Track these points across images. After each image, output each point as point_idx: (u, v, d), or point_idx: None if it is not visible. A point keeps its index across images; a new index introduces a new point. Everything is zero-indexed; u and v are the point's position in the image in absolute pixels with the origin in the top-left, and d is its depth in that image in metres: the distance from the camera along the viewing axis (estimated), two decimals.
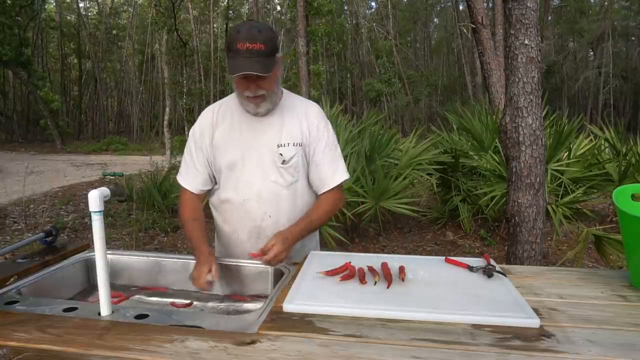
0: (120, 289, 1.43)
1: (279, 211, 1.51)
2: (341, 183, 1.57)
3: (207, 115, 1.55)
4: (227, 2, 28.72)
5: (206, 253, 1.37)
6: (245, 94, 1.40)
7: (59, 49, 28.01)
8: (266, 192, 1.50)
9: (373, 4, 32.69)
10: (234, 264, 1.46)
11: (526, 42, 2.60)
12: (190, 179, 1.55)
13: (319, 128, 1.53)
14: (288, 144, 1.49)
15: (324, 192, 1.55)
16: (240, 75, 1.33)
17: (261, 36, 1.31)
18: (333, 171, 1.54)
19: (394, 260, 1.33)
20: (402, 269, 1.26)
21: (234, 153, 1.49)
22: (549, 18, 19.32)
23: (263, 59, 1.32)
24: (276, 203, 1.51)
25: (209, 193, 1.62)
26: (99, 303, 1.05)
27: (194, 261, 1.38)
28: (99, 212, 1.05)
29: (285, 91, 1.57)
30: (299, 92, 5.56)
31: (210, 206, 1.64)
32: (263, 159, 1.49)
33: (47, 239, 1.52)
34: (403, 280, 1.20)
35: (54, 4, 27.45)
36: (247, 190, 1.50)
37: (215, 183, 1.58)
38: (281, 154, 1.48)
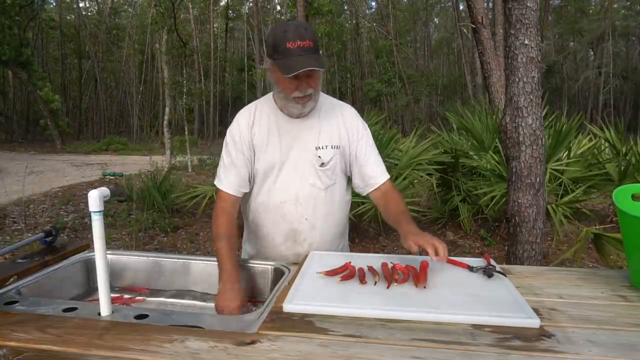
0: (120, 291, 1.44)
1: (316, 214, 1.50)
2: (388, 180, 1.54)
3: (244, 117, 1.51)
4: (227, 2, 28.73)
5: (237, 283, 1.29)
6: (294, 94, 1.37)
7: (59, 49, 28.01)
8: (304, 194, 1.48)
9: (373, 3, 32.73)
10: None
11: (526, 42, 2.60)
12: (230, 180, 1.47)
13: (358, 130, 1.52)
14: (326, 146, 1.48)
15: (376, 190, 1.52)
16: (293, 75, 1.30)
17: (308, 33, 1.31)
18: (380, 168, 1.53)
19: (395, 261, 1.33)
20: (394, 270, 1.25)
21: (272, 155, 1.47)
22: (549, 18, 19.31)
23: (316, 55, 1.31)
24: (313, 206, 1.50)
25: (242, 202, 1.57)
26: (98, 303, 1.05)
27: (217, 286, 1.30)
28: (99, 212, 1.05)
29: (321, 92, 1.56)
30: None
31: (243, 211, 1.61)
32: (301, 161, 1.47)
33: (47, 239, 1.52)
34: (397, 281, 1.19)
35: (54, 4, 27.48)
36: (284, 193, 1.48)
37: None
38: (320, 157, 1.47)
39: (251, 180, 1.52)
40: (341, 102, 1.59)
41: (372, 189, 1.53)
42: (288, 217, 1.50)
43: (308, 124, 1.49)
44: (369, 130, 1.57)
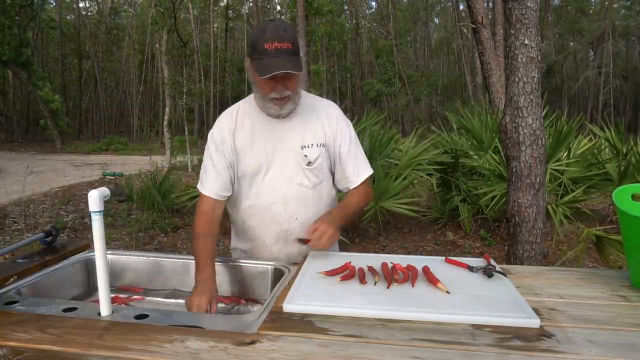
0: (116, 291, 1.44)
1: (305, 213, 1.50)
2: (367, 179, 1.58)
3: (226, 119, 1.50)
4: (227, 2, 28.73)
5: (210, 280, 1.30)
6: (270, 95, 1.37)
7: (59, 49, 28.00)
8: (292, 194, 1.48)
9: (373, 4, 32.73)
10: (234, 264, 1.46)
11: (526, 42, 2.60)
12: (211, 184, 1.46)
13: (341, 128, 1.53)
14: (312, 145, 1.48)
15: (351, 189, 1.57)
16: (268, 77, 1.29)
17: (287, 35, 1.30)
18: (358, 169, 1.55)
19: (395, 261, 1.33)
20: (394, 270, 1.25)
21: (257, 158, 1.46)
22: (549, 18, 19.30)
23: (293, 58, 1.30)
24: (302, 205, 1.50)
25: (229, 202, 1.56)
26: (98, 303, 1.05)
27: (188, 291, 1.31)
28: (99, 212, 1.05)
29: (302, 91, 1.54)
30: None
31: (231, 217, 1.61)
32: (288, 161, 1.47)
33: (47, 239, 1.52)
34: (397, 281, 1.19)
35: (54, 4, 27.47)
36: (272, 194, 1.48)
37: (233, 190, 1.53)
38: (306, 156, 1.47)
39: (233, 184, 1.51)
40: (324, 100, 1.59)
41: (351, 187, 1.56)
42: (278, 218, 1.50)
43: (292, 124, 1.48)
44: (352, 127, 1.59)
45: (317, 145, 1.49)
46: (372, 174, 1.61)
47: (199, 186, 1.51)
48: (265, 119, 1.48)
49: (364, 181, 1.57)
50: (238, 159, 1.48)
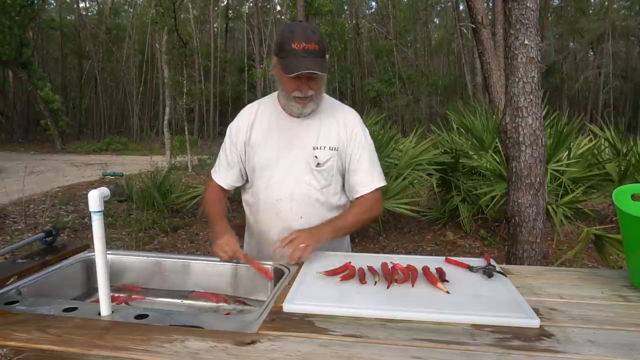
0: (115, 290, 1.44)
1: (310, 213, 1.52)
2: (378, 189, 1.54)
3: (246, 114, 1.56)
4: (227, 2, 28.74)
5: (228, 228, 1.44)
6: (294, 94, 1.41)
7: (59, 49, 28.01)
8: (299, 193, 1.50)
9: (373, 3, 32.74)
10: (234, 263, 1.46)
11: (526, 42, 2.60)
12: (222, 174, 1.59)
13: (357, 134, 1.53)
14: (324, 147, 1.49)
15: (360, 197, 1.54)
16: (293, 76, 1.33)
17: (315, 36, 1.33)
18: (369, 177, 1.53)
19: (395, 261, 1.33)
20: (394, 270, 1.25)
21: (269, 153, 1.50)
22: (549, 18, 19.30)
23: (319, 59, 1.33)
24: (308, 205, 1.51)
25: (243, 191, 1.64)
26: (98, 303, 1.05)
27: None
28: (99, 212, 1.05)
29: (324, 94, 1.57)
30: None
31: (244, 204, 1.66)
32: (298, 160, 1.49)
33: (47, 239, 1.52)
34: (397, 282, 1.19)
35: (54, 4, 27.49)
36: (279, 191, 1.51)
37: (247, 181, 1.60)
38: (316, 157, 1.49)
39: (244, 176, 1.59)
40: (344, 106, 1.61)
41: (356, 197, 1.54)
42: (283, 215, 1.52)
43: (308, 124, 1.50)
44: (369, 137, 1.57)
45: (330, 149, 1.50)
46: (384, 185, 1.55)
47: (212, 172, 1.64)
48: (284, 116, 1.51)
49: (372, 192, 1.53)
50: (250, 153, 1.53)
